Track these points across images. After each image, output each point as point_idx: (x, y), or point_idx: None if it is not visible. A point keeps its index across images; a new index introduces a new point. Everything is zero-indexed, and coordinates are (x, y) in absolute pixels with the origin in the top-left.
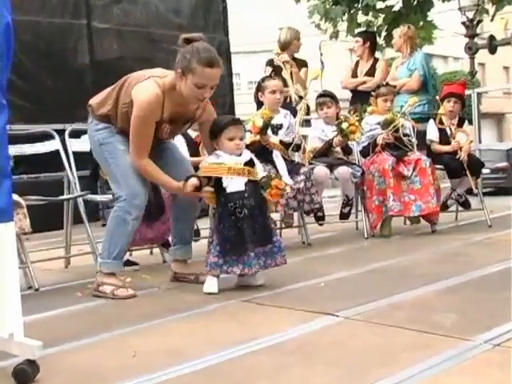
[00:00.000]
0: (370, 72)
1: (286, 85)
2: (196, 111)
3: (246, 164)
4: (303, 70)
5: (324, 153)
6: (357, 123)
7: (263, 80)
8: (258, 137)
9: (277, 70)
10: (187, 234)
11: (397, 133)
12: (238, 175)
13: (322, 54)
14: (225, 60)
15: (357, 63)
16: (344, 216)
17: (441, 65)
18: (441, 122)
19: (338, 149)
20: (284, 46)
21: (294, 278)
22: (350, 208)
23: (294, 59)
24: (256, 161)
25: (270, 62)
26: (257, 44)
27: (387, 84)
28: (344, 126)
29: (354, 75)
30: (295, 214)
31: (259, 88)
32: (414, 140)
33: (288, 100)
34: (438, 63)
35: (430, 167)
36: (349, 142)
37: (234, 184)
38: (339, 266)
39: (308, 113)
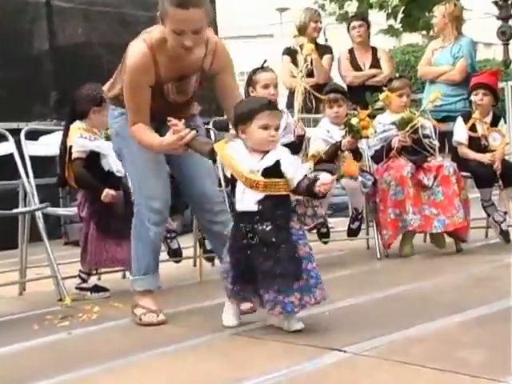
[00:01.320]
0: (374, 62)
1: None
2: (204, 59)
3: (267, 171)
4: (326, 57)
5: (330, 158)
6: (368, 118)
7: (254, 72)
8: None
9: (295, 57)
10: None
11: (415, 134)
12: (250, 188)
13: (326, 40)
14: None
15: (351, 52)
16: (352, 233)
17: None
18: (472, 129)
19: (347, 153)
20: (300, 30)
21: None
22: (359, 223)
23: (316, 45)
24: (287, 162)
25: (288, 51)
26: (250, 28)
27: (401, 76)
28: (353, 121)
29: (356, 67)
30: None
31: (250, 82)
32: (435, 142)
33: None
34: None
35: (454, 175)
36: (359, 145)
37: (246, 201)
38: (347, 292)
39: (317, 108)
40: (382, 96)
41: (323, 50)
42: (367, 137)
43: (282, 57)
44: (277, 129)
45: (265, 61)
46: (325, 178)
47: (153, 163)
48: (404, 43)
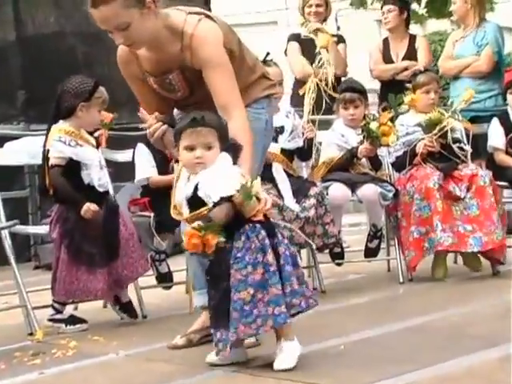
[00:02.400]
0: (410, 54)
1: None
2: (182, 54)
3: (191, 201)
4: (341, 45)
5: (344, 166)
6: (390, 123)
7: None
8: None
9: (305, 46)
10: None
11: (444, 138)
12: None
13: (339, 28)
14: None
15: (386, 42)
16: (371, 253)
17: (507, 41)
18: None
19: (364, 161)
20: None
21: (302, 338)
22: (378, 242)
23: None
24: (205, 185)
25: (295, 37)
26: (250, 14)
27: (426, 70)
28: (373, 126)
29: (387, 59)
30: (303, 252)
31: None
32: (467, 148)
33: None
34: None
35: (490, 185)
36: (378, 152)
37: None
38: (364, 322)
39: (331, 108)
40: (406, 99)
41: (337, 38)
42: (387, 145)
43: (289, 44)
44: (209, 147)
45: (267, 54)
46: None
47: None
48: (429, 31)
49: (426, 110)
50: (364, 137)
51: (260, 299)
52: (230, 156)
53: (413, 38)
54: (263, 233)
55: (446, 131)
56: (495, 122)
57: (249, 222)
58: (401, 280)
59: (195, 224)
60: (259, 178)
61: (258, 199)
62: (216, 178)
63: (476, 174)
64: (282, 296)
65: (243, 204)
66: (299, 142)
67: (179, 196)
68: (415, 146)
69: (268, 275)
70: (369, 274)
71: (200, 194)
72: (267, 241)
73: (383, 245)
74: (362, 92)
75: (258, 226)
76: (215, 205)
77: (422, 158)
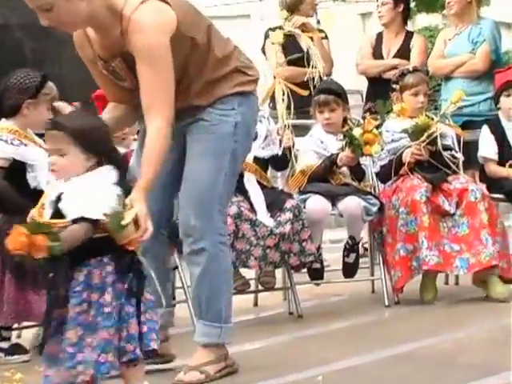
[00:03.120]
0: (403, 51)
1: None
2: (122, 39)
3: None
4: (325, 42)
5: (323, 175)
6: (375, 130)
7: None
8: None
9: (286, 43)
10: None
11: (433, 146)
12: None
13: (318, 22)
14: None
15: (379, 37)
16: (349, 269)
17: (504, 38)
18: (502, 137)
19: (345, 169)
20: (292, 8)
21: (276, 368)
22: (356, 256)
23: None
24: (69, 196)
25: (272, 31)
26: (220, 7)
27: (415, 70)
28: (356, 132)
29: (377, 55)
30: (278, 271)
31: None
32: (459, 156)
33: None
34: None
35: (482, 201)
36: (361, 160)
37: None
38: (346, 350)
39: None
40: (396, 107)
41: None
42: (370, 155)
43: (267, 41)
44: (61, 154)
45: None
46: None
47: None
48: (419, 26)
49: (413, 115)
50: (345, 143)
51: (88, 343)
52: (116, 170)
53: (409, 36)
54: (109, 268)
55: (436, 138)
56: (485, 129)
57: (98, 255)
58: (386, 303)
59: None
60: (140, 205)
61: (137, 225)
62: (84, 193)
63: (466, 189)
64: (111, 341)
65: (112, 231)
66: (274, 150)
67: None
68: (401, 154)
69: (101, 317)
70: (351, 296)
71: (61, 205)
72: (110, 278)
73: (367, 264)
74: (338, 94)
75: (105, 259)
76: (74, 222)
77: (409, 167)
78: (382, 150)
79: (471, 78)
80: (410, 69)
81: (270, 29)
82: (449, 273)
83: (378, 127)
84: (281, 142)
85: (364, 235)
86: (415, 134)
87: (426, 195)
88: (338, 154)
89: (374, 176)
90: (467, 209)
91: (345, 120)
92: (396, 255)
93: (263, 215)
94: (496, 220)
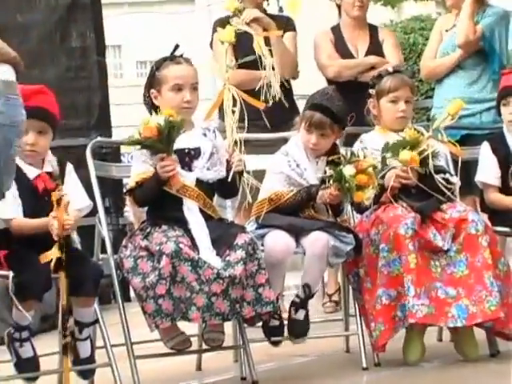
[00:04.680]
0: (374, 49)
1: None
2: None
3: None
4: (288, 35)
5: (295, 208)
6: (371, 169)
7: (159, 65)
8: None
9: (238, 41)
10: None
11: (423, 167)
12: None
13: (281, 9)
14: (86, 17)
15: (336, 32)
16: (297, 329)
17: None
18: (505, 158)
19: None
20: None
21: None
22: (306, 313)
23: (270, 17)
24: None
25: (224, 24)
26: None
27: (396, 71)
28: (347, 172)
29: (345, 54)
30: (228, 325)
31: (152, 81)
32: (454, 180)
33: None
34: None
35: (484, 234)
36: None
37: None
38: None
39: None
40: (402, 156)
41: (282, 24)
42: (362, 200)
43: (215, 35)
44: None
45: (176, 46)
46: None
47: None
48: (407, 16)
49: (394, 127)
50: (330, 178)
51: None
52: None
53: (374, 30)
54: None
55: (426, 157)
56: (486, 147)
57: None
58: (364, 365)
59: None
60: None
61: None
62: None
63: (465, 219)
64: None
65: None
66: (221, 172)
67: None
68: (383, 176)
69: None
70: (320, 357)
71: None
72: None
73: (340, 315)
74: (339, 118)
75: None
76: None
77: (393, 193)
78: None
79: (468, 80)
80: (390, 69)
81: (219, 22)
82: (443, 325)
83: (374, 167)
84: (228, 162)
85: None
86: (401, 150)
87: (412, 228)
88: (318, 188)
89: (349, 205)
90: (466, 243)
91: (333, 147)
92: (377, 304)
93: (208, 253)
94: (498, 259)
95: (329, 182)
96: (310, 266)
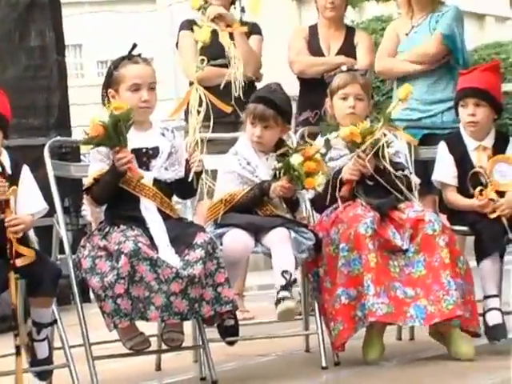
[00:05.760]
0: (347, 49)
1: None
2: None
3: None
4: (254, 38)
5: (249, 206)
6: (319, 155)
7: (117, 65)
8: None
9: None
10: None
11: (378, 159)
12: None
13: (243, 10)
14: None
15: (313, 30)
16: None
17: (473, 32)
18: (463, 158)
19: (277, 199)
20: None
21: None
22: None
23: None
24: None
25: (190, 24)
26: None
27: (350, 69)
28: (294, 161)
29: (316, 52)
30: (187, 324)
31: (109, 81)
32: (413, 177)
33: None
34: (466, 28)
35: (442, 234)
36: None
37: None
38: None
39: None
40: (342, 132)
41: (248, 28)
42: (313, 188)
43: (181, 35)
44: None
45: (134, 45)
46: None
47: None
48: (369, 16)
49: (345, 124)
50: (280, 171)
51: None
52: None
53: (350, 31)
54: None
55: (381, 148)
56: (443, 147)
57: None
58: (323, 364)
59: None
60: None
61: None
62: None
63: (422, 219)
64: None
65: None
66: (179, 172)
67: None
68: (340, 171)
69: None
70: (280, 356)
71: None
72: None
73: (300, 315)
74: (282, 110)
75: None
76: None
77: (350, 187)
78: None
79: (431, 80)
80: (344, 68)
81: (188, 23)
82: (401, 325)
83: (323, 154)
84: (188, 161)
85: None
86: (354, 143)
87: (372, 227)
88: (270, 183)
89: (309, 204)
90: (423, 244)
91: (280, 141)
92: (336, 303)
93: (166, 252)
94: (457, 258)
95: (279, 174)
96: (278, 253)
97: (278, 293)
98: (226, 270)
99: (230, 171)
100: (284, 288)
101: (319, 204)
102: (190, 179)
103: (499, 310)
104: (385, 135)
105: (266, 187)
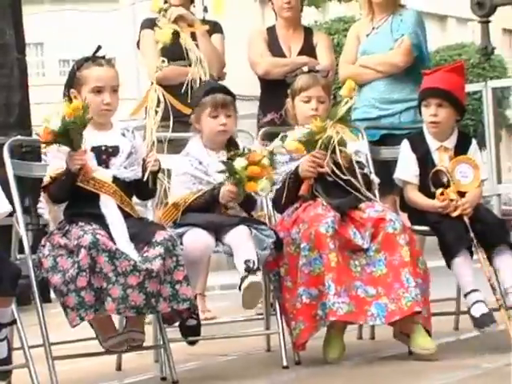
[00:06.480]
0: (307, 49)
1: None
2: None
3: None
4: (215, 36)
5: (202, 209)
6: (266, 160)
7: (79, 66)
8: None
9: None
10: None
11: (335, 155)
12: None
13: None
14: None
15: (271, 32)
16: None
17: (435, 33)
18: (424, 157)
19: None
20: None
21: None
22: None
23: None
24: None
25: (151, 23)
26: None
27: (311, 70)
28: (238, 164)
29: (277, 53)
30: (148, 325)
31: (71, 82)
32: (374, 179)
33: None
34: (428, 29)
35: (402, 233)
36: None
37: None
38: None
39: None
40: (287, 143)
41: (209, 27)
42: (256, 193)
43: (142, 35)
44: None
45: (98, 47)
46: None
47: None
48: (332, 16)
49: (306, 125)
50: (226, 174)
51: None
52: None
53: (308, 32)
54: None
55: (334, 145)
56: (405, 145)
57: None
58: (284, 363)
59: None
60: None
61: None
62: None
63: (383, 218)
64: None
65: None
66: (139, 172)
67: None
68: (297, 169)
69: None
70: (241, 356)
71: None
72: None
73: (261, 314)
74: (234, 97)
75: None
76: None
77: (308, 186)
78: (274, 185)
79: (389, 80)
80: (305, 69)
81: (148, 22)
82: (362, 323)
83: (271, 157)
84: (144, 161)
85: None
86: (310, 142)
87: (332, 227)
88: (219, 189)
89: (270, 204)
90: (384, 242)
91: (230, 141)
92: (297, 302)
93: (125, 245)
94: (417, 258)
95: (226, 179)
96: (240, 249)
97: (241, 278)
98: (186, 269)
99: (183, 173)
100: (247, 271)
101: (279, 204)
102: (145, 178)
103: (482, 301)
104: (338, 133)
105: (215, 193)
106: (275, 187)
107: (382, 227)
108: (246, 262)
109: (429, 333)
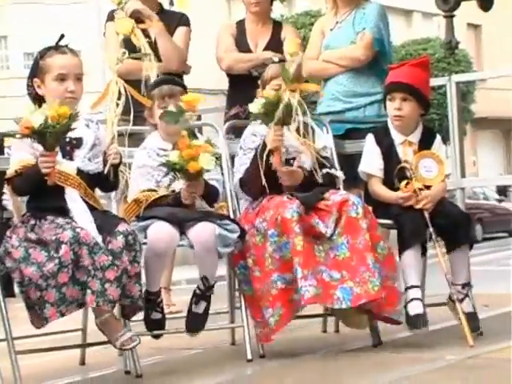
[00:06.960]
0: (274, 44)
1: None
2: None
3: None
4: (180, 29)
5: (167, 202)
6: (196, 141)
7: (43, 55)
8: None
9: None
10: None
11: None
12: None
13: (172, 3)
14: None
15: (240, 26)
16: (196, 322)
17: (400, 27)
18: (389, 152)
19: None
20: None
21: None
22: (207, 305)
23: (164, 12)
24: None
25: (110, 16)
26: None
27: (282, 60)
28: (173, 157)
29: (243, 48)
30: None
31: (35, 71)
32: (338, 174)
33: None
34: (394, 24)
35: (364, 218)
36: (212, 175)
37: None
38: None
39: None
40: (251, 106)
41: (174, 19)
42: (207, 170)
43: (107, 26)
44: None
45: (61, 36)
46: None
47: None
48: (298, 10)
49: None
50: (171, 174)
51: None
52: None
53: (277, 26)
54: None
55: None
56: (370, 139)
57: None
58: (249, 356)
59: None
60: None
61: None
62: None
63: (346, 201)
64: None
65: None
66: (102, 165)
67: None
68: (264, 144)
69: None
70: (206, 350)
71: None
72: None
73: (226, 307)
74: (185, 88)
75: None
76: None
77: (279, 157)
78: (218, 158)
79: (352, 74)
80: (276, 59)
81: (110, 14)
82: (330, 306)
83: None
84: (105, 153)
85: None
86: (269, 112)
87: (297, 211)
88: (179, 192)
89: (233, 194)
90: (347, 226)
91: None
92: (272, 289)
93: (96, 236)
94: (376, 243)
95: (171, 179)
96: (201, 259)
97: (194, 301)
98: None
99: (142, 165)
100: (202, 296)
101: (252, 181)
102: (106, 171)
103: (420, 299)
104: (294, 97)
105: (178, 197)
106: (243, 168)
107: (345, 211)
108: (204, 279)
109: (391, 320)
